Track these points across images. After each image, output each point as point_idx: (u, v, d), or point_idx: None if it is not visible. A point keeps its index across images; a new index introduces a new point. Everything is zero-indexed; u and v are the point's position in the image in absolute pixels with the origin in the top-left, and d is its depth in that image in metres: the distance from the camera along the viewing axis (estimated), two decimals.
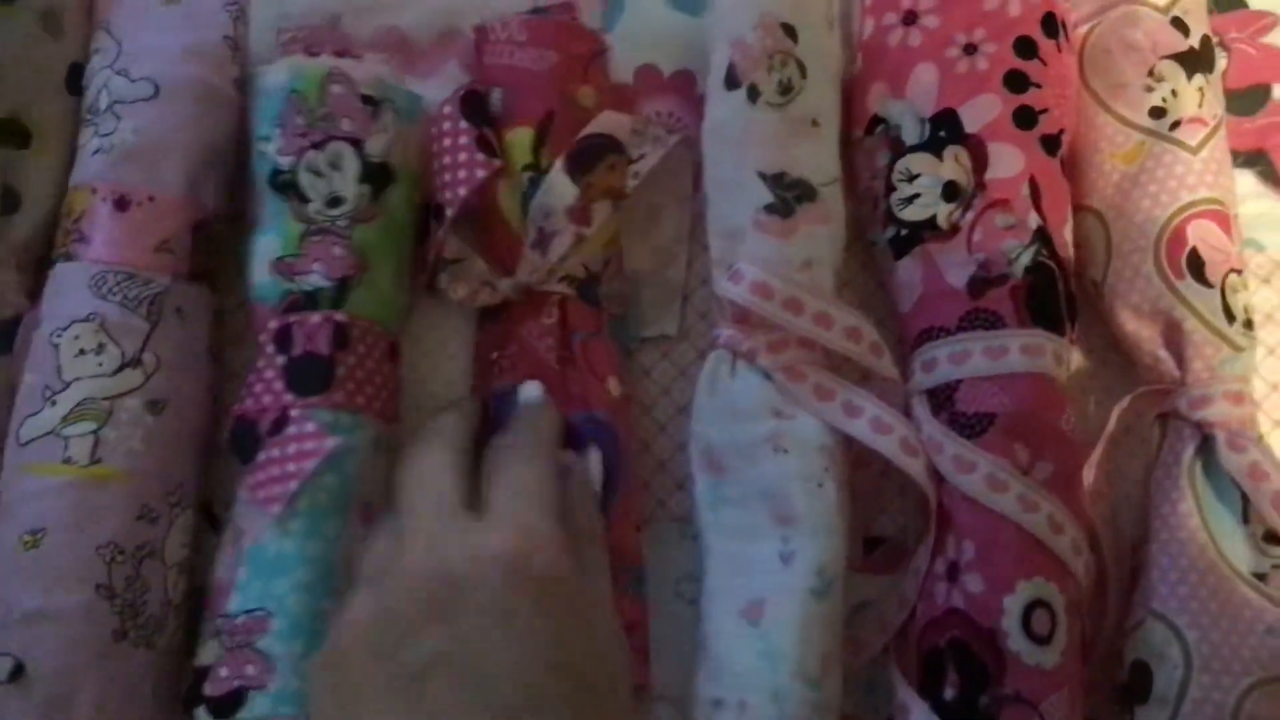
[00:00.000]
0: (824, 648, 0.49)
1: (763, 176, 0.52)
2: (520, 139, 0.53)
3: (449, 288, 0.53)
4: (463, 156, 0.52)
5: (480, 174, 0.52)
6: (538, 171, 0.52)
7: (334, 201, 0.50)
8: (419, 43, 0.59)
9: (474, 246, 0.53)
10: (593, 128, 0.53)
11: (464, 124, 0.53)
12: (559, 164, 0.52)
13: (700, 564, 0.52)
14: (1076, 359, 0.54)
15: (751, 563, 0.50)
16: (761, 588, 0.50)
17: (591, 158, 0.52)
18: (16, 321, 0.52)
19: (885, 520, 0.56)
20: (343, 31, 0.58)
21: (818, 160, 0.53)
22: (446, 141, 0.53)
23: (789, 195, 0.52)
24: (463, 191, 0.52)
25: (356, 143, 0.51)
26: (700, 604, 0.51)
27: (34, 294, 0.52)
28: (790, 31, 0.53)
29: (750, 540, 0.51)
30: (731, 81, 0.53)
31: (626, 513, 0.51)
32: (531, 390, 0.50)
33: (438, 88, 0.56)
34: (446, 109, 0.53)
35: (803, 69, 0.53)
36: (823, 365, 0.52)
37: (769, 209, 0.52)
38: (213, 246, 0.54)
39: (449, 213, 0.52)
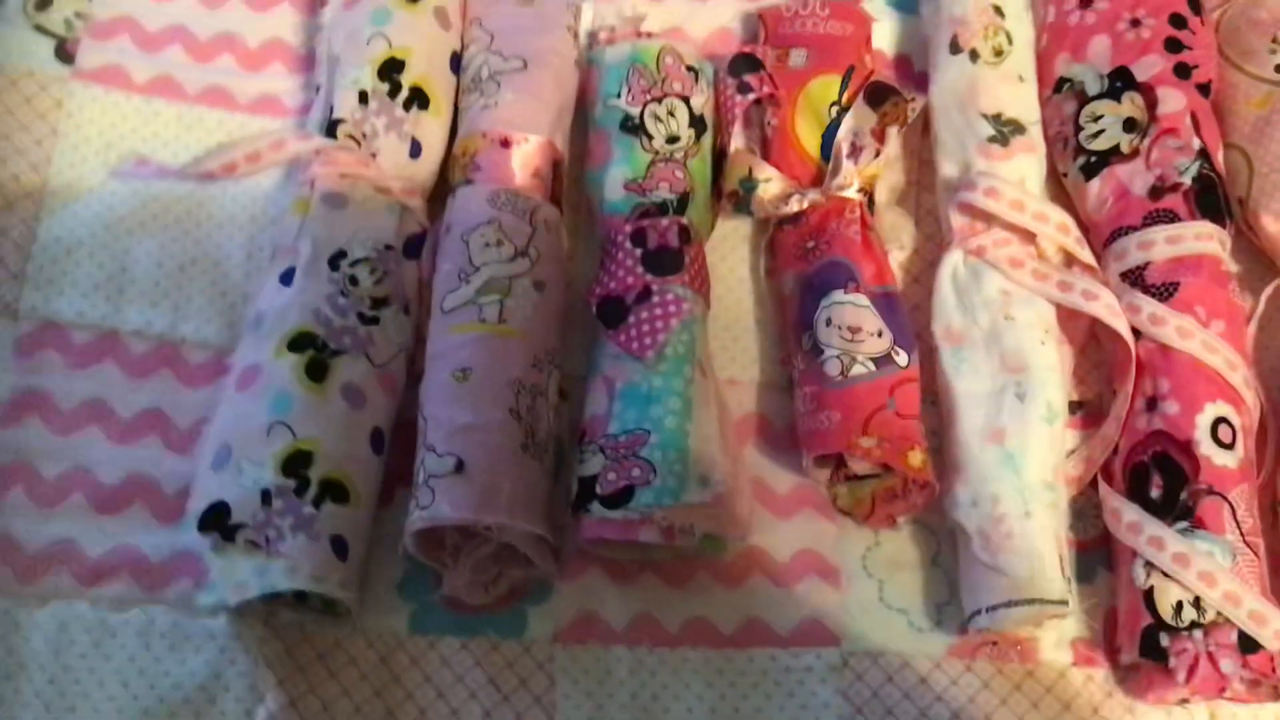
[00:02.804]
0: (1055, 460, 0.64)
1: (985, 116, 0.69)
2: (828, 84, 0.72)
3: (760, 199, 0.69)
4: (733, 98, 0.72)
5: (739, 109, 0.71)
6: (842, 106, 0.70)
7: (672, 140, 0.68)
8: (696, 39, 0.77)
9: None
10: (876, 78, 0.71)
11: (729, 78, 0.72)
12: (860, 98, 0.70)
13: (945, 424, 0.66)
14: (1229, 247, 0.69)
15: (991, 402, 0.65)
16: (1001, 419, 0.64)
17: (881, 96, 0.70)
18: (422, 236, 0.69)
19: (1084, 387, 0.70)
20: (638, 27, 0.76)
21: (1025, 104, 0.71)
22: (724, 92, 0.72)
23: (1005, 129, 0.69)
24: (738, 114, 0.71)
25: (685, 99, 0.69)
26: (946, 444, 0.66)
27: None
28: (998, 10, 0.71)
29: (989, 387, 0.65)
30: (955, 49, 0.71)
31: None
32: None
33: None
34: (721, 73, 0.72)
35: (1009, 37, 0.71)
36: (1036, 256, 0.68)
37: (991, 139, 0.69)
38: (561, 180, 0.71)
39: (736, 139, 0.70)
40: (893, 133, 0.70)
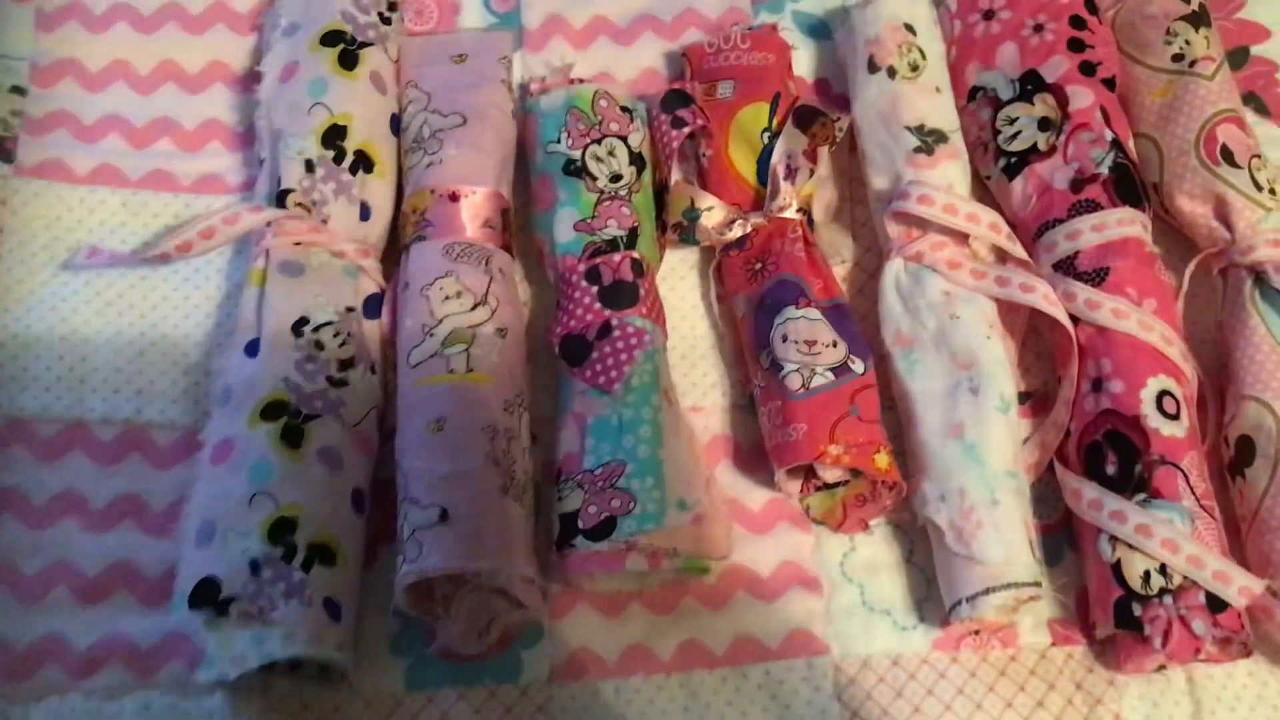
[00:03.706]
0: (1013, 447, 0.66)
1: (908, 129, 0.72)
2: (757, 111, 0.74)
3: (704, 227, 0.72)
4: (669, 133, 0.74)
5: (675, 143, 0.73)
6: (773, 132, 0.73)
7: (615, 178, 0.70)
8: (623, 82, 0.80)
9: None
10: (801, 102, 0.74)
11: (663, 114, 0.74)
12: (790, 121, 0.73)
13: (904, 424, 0.69)
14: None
15: (946, 399, 0.67)
16: (958, 414, 0.67)
17: (809, 118, 0.73)
18: (379, 296, 0.70)
19: (1030, 378, 0.74)
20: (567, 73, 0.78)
21: (945, 114, 0.74)
22: (659, 128, 0.74)
23: (929, 139, 0.72)
24: (675, 148, 0.73)
25: (622, 138, 0.71)
26: (909, 445, 0.68)
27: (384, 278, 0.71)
28: (909, 28, 0.75)
29: (943, 385, 0.68)
30: (873, 67, 0.74)
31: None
32: None
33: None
34: (654, 111, 0.75)
35: (922, 53, 0.75)
36: (971, 256, 0.71)
37: (916, 150, 0.72)
38: (510, 228, 0.72)
39: (675, 173, 0.73)
40: (823, 152, 0.73)
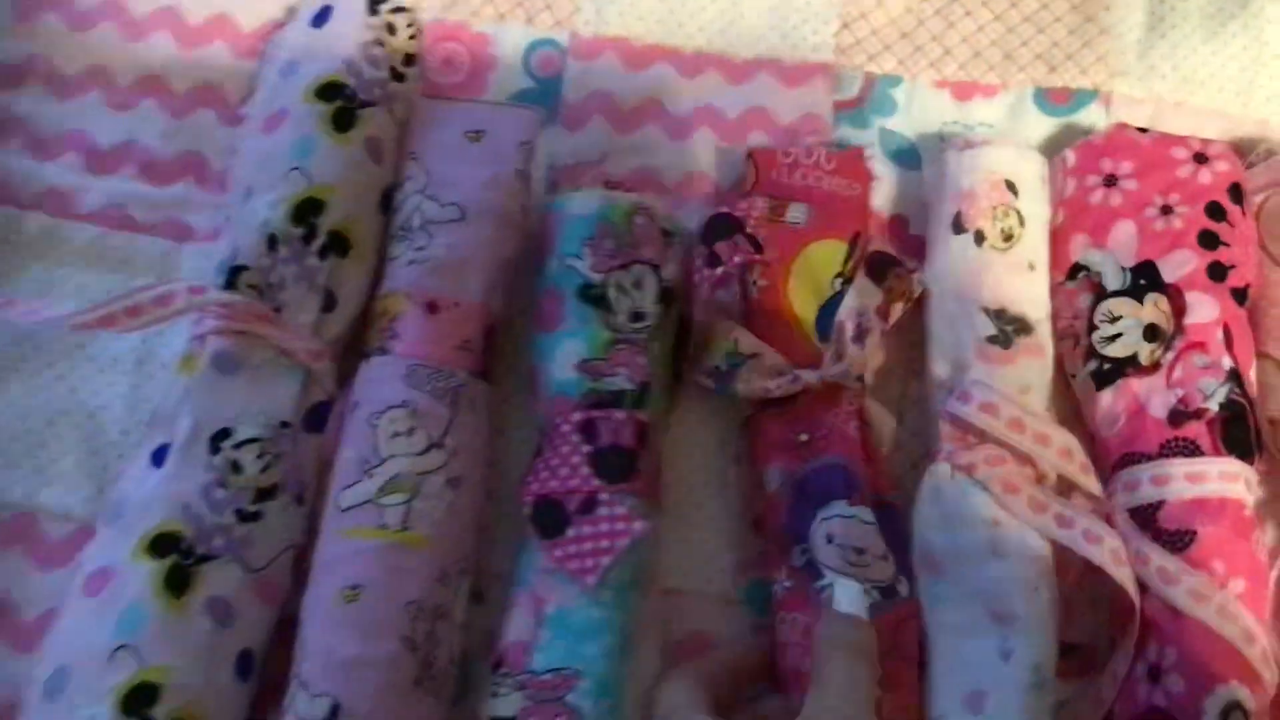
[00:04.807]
0: None
1: (986, 311, 0.59)
2: (832, 251, 0.62)
3: (747, 379, 0.60)
4: (702, 270, 0.62)
5: (706, 283, 0.62)
6: (846, 277, 0.61)
7: (636, 316, 0.58)
8: (667, 181, 0.68)
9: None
10: (876, 247, 0.62)
11: (700, 246, 0.62)
12: (862, 271, 0.61)
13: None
14: (1257, 488, 0.59)
15: (971, 657, 0.56)
16: (982, 680, 0.55)
17: (885, 268, 0.61)
18: (328, 405, 0.60)
19: (1076, 629, 0.61)
20: (604, 168, 0.67)
21: (1034, 298, 0.61)
22: (697, 261, 0.62)
23: (1009, 329, 0.59)
24: (706, 291, 0.61)
25: (655, 267, 0.59)
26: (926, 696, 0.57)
27: (340, 382, 0.60)
28: (1011, 187, 0.62)
29: (970, 636, 0.56)
30: (958, 227, 0.61)
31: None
32: (852, 593, 0.54)
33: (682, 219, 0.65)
34: (692, 237, 0.63)
35: (1021, 219, 0.61)
36: (1033, 480, 0.59)
37: (990, 339, 0.59)
38: (495, 348, 0.61)
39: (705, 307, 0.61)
40: (897, 309, 0.61)
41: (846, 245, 0.63)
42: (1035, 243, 0.62)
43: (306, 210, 0.59)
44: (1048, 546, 0.58)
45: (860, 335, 0.60)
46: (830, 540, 0.57)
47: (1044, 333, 0.61)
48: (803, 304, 0.62)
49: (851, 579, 0.55)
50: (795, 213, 0.64)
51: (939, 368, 0.61)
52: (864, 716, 0.49)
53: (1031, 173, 0.63)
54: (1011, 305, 0.60)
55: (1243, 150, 0.68)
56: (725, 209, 0.63)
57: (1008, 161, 0.63)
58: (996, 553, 0.57)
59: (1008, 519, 0.57)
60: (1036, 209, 0.63)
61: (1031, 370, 0.60)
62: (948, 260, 0.62)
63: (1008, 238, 0.61)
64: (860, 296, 0.61)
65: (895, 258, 0.62)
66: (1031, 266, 0.62)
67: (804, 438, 0.60)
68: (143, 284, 0.59)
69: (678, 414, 0.64)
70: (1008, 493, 0.58)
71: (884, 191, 0.68)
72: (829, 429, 0.59)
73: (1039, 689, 0.55)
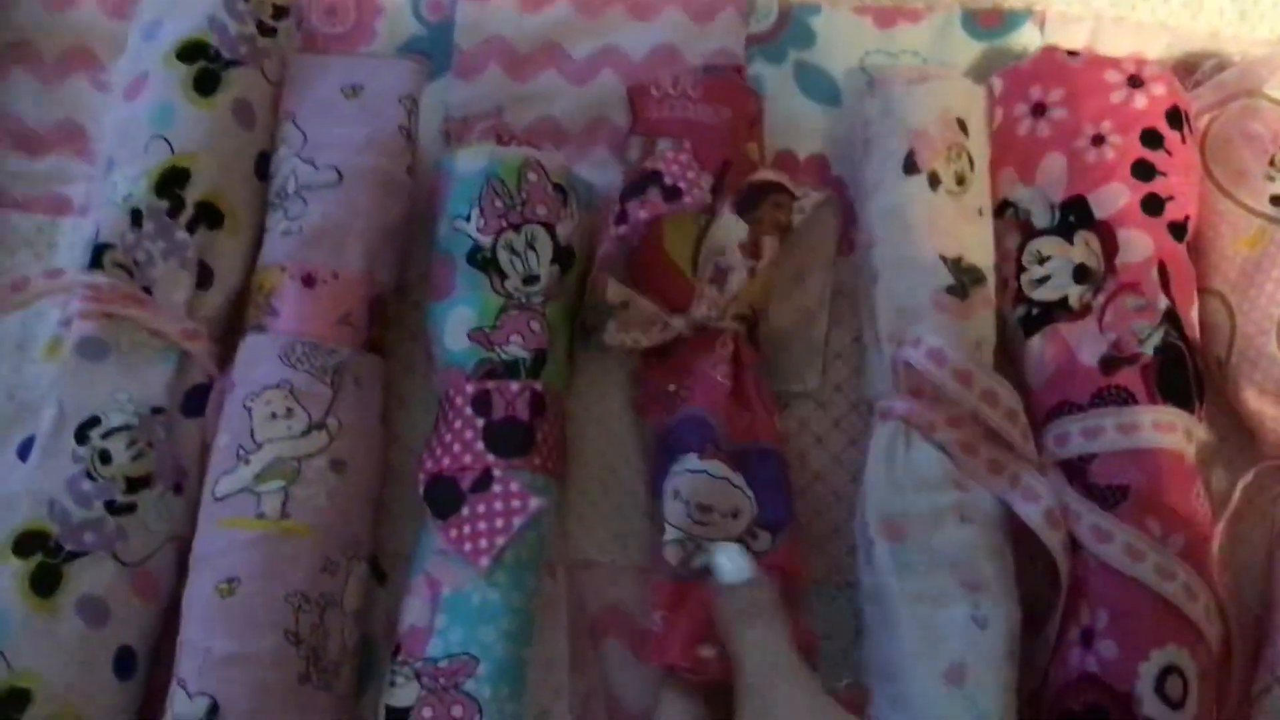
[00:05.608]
0: (1015, 708, 0.51)
1: (944, 259, 0.55)
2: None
3: (617, 332, 0.56)
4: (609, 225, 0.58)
5: (644, 215, 0.56)
6: (712, 215, 0.56)
7: (530, 280, 0.55)
8: (570, 130, 0.64)
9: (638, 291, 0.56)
10: (757, 176, 0.57)
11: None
12: (727, 205, 0.56)
13: (876, 627, 0.54)
14: (1201, 433, 0.56)
15: (946, 628, 0.52)
16: (960, 651, 0.51)
17: (757, 196, 0.56)
18: (207, 387, 0.56)
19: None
20: (504, 120, 0.62)
21: (984, 245, 0.57)
22: (610, 218, 0.58)
23: (966, 278, 0.55)
24: (607, 249, 0.56)
25: (549, 227, 0.55)
26: (886, 667, 0.53)
27: (221, 362, 0.57)
28: (963, 126, 0.57)
29: (941, 606, 0.52)
30: (911, 167, 0.57)
31: (795, 545, 0.54)
32: (734, 559, 0.50)
33: (585, 170, 0.61)
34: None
35: (971, 162, 0.57)
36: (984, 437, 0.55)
37: (949, 290, 0.55)
38: (383, 319, 0.58)
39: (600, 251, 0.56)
40: (769, 243, 0.56)
41: (711, 179, 0.58)
42: (982, 187, 0.58)
43: (170, 181, 0.56)
44: (1006, 510, 0.54)
45: (720, 275, 0.56)
46: (676, 496, 0.53)
47: (993, 283, 0.57)
48: (678, 247, 0.57)
49: (729, 543, 0.51)
50: (662, 149, 0.59)
51: (886, 314, 0.56)
52: (793, 681, 0.46)
53: (979, 109, 0.59)
54: (969, 254, 0.56)
55: (1190, 67, 0.63)
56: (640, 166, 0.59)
57: (960, 99, 0.58)
58: (964, 517, 0.53)
59: (967, 481, 0.54)
60: (980, 148, 0.58)
61: (985, 324, 0.56)
62: (896, 202, 0.57)
63: (960, 181, 0.57)
64: (720, 234, 0.56)
65: (778, 184, 0.57)
66: (980, 212, 0.57)
67: (672, 388, 0.56)
68: None
69: (588, 377, 0.60)
70: (966, 455, 0.54)
71: (805, 128, 0.64)
72: (696, 378, 0.55)
73: (1013, 658, 0.51)
